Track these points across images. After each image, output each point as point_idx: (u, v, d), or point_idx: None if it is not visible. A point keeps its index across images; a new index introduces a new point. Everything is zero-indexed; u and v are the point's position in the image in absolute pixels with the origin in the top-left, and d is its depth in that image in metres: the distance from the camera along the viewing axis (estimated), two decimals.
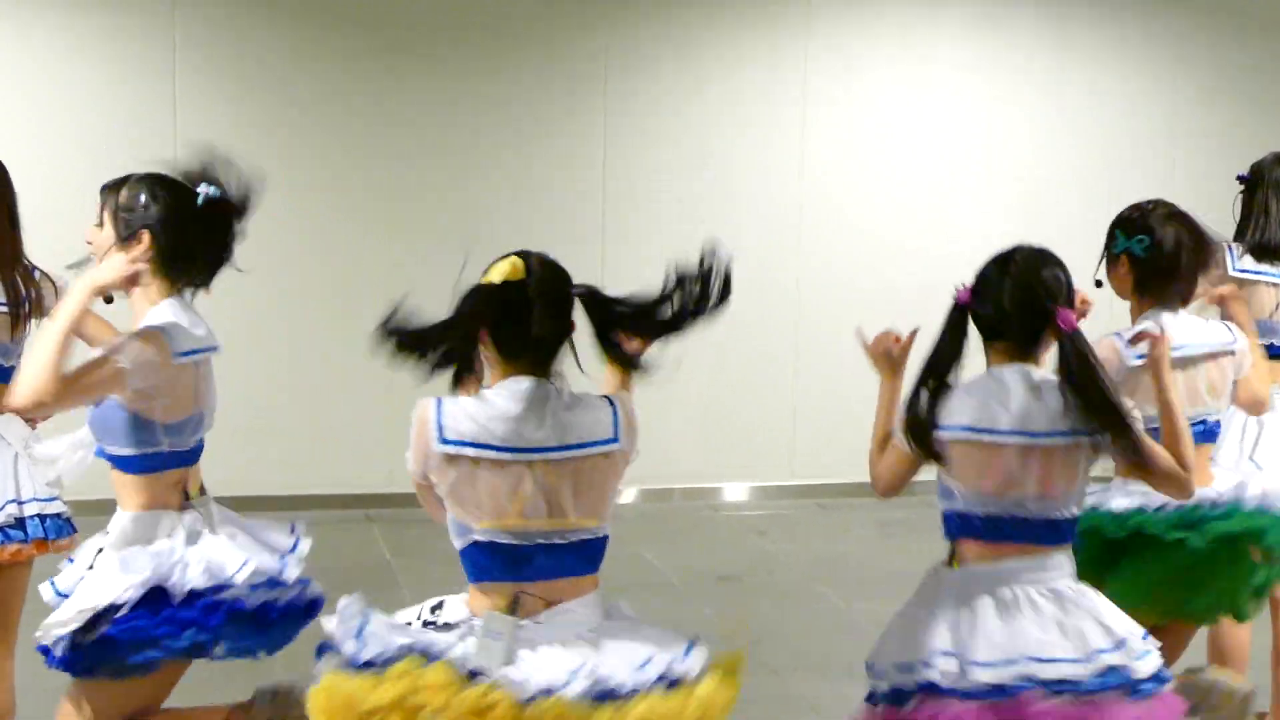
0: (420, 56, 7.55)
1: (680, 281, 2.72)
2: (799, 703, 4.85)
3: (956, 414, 2.82)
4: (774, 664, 5.28)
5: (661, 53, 7.85)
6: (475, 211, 7.52)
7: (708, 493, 8.09)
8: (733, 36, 7.91)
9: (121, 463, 3.15)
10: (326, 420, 7.28)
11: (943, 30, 8.14)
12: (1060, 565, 2.87)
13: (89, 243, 3.21)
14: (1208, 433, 3.69)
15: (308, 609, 3.28)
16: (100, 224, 3.16)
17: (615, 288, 3.20)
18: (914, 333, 3.07)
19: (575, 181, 7.80)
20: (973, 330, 2.96)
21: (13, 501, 3.62)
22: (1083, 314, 3.24)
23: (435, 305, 2.66)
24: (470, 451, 2.61)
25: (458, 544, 2.70)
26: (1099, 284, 3.70)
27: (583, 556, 2.71)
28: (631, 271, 7.71)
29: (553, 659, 2.60)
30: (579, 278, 2.81)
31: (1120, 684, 2.76)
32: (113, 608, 3.05)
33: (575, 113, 7.76)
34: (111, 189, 3.18)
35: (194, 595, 3.09)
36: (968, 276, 2.99)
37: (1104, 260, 3.66)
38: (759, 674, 5.06)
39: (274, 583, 3.18)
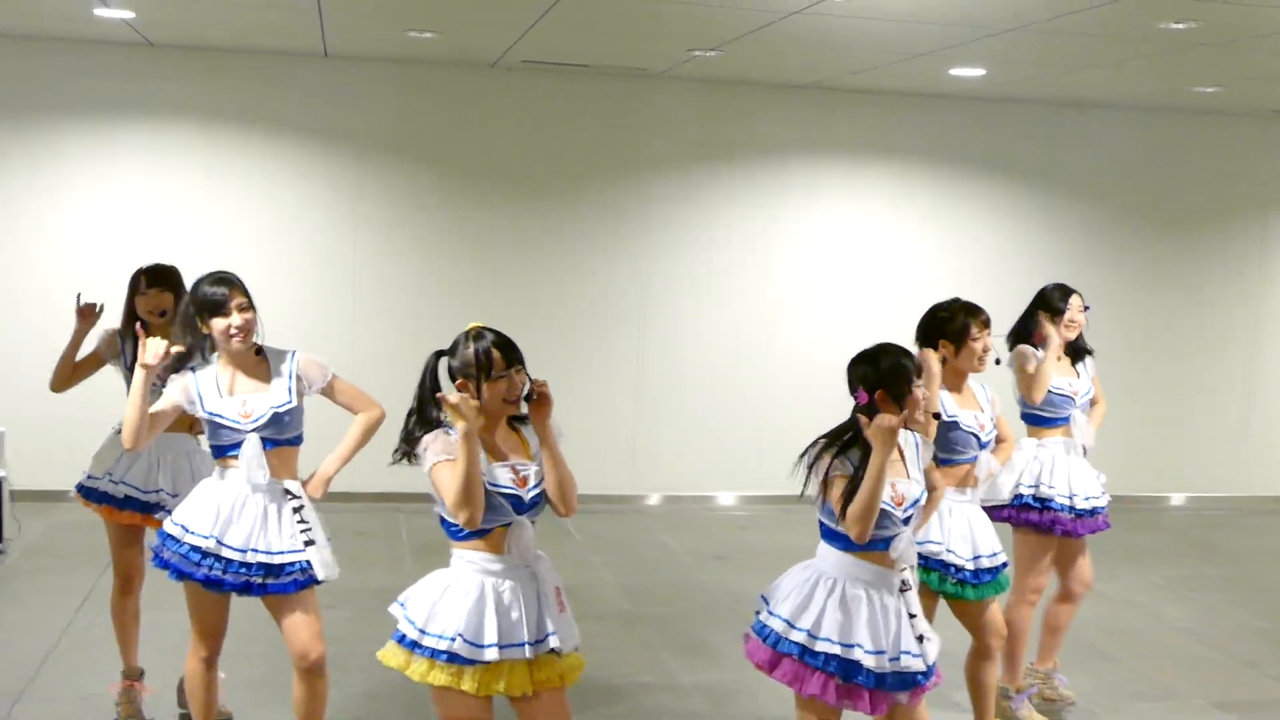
0: (520, 205, 8.35)
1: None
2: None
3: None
4: (749, 616, 4.74)
5: (686, 196, 8.62)
6: (544, 308, 8.20)
7: (707, 499, 8.68)
8: (727, 192, 8.68)
9: (299, 440, 3.58)
10: None
11: (868, 197, 8.83)
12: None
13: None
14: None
15: None
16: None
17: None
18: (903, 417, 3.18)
19: (615, 282, 8.51)
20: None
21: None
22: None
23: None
24: None
25: None
26: (998, 361, 4.10)
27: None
28: (664, 346, 8.71)
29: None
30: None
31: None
32: None
33: (613, 248, 8.48)
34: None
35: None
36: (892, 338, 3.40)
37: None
38: (740, 623, 5.20)
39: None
